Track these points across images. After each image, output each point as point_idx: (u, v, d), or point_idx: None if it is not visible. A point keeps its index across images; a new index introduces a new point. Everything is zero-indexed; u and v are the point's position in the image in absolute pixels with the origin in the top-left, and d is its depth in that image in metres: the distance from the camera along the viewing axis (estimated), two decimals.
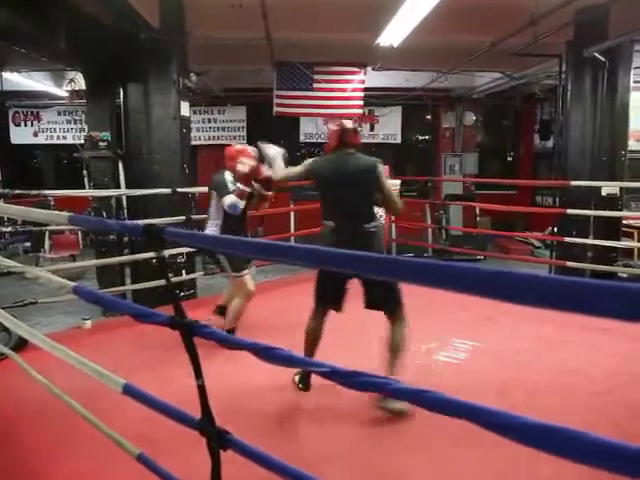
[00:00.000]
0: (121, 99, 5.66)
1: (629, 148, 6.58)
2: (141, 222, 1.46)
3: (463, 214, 9.79)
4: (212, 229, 3.87)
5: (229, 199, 3.67)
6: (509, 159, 11.49)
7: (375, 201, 3.02)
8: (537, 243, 9.09)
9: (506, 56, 6.78)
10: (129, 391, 1.84)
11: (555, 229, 6.77)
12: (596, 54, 5.91)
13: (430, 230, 8.88)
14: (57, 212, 2.05)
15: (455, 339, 3.93)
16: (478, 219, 9.71)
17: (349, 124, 3.08)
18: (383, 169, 3.01)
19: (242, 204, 3.72)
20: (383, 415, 2.71)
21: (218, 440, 1.49)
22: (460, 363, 3.51)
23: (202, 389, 1.50)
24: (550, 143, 9.33)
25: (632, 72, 6.24)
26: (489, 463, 2.32)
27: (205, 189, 4.24)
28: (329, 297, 3.01)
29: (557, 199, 6.85)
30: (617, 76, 6.09)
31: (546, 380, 3.18)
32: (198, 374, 1.50)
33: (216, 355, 2.94)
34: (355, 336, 3.79)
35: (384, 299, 2.89)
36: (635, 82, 6.54)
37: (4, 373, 3.34)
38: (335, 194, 2.98)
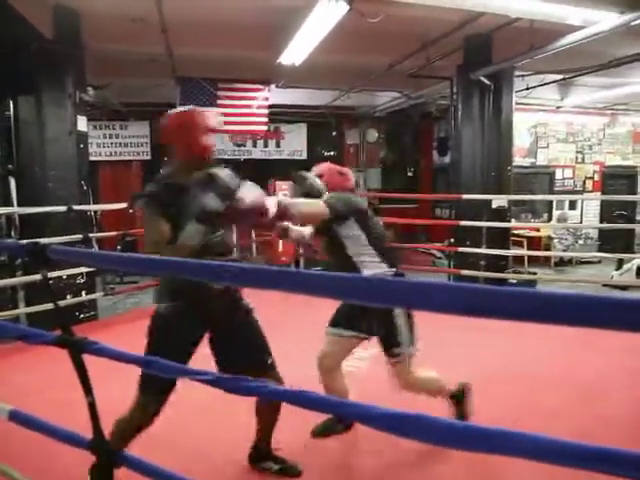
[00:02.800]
0: (11, 112, 5.36)
1: (514, 164, 7.16)
2: (25, 241, 1.42)
3: None
4: (375, 268, 2.62)
5: None
6: (410, 174, 12.03)
7: None
8: (438, 254, 9.57)
9: (403, 77, 7.18)
10: (16, 417, 1.76)
11: (452, 240, 7.20)
12: (482, 78, 6.41)
13: None
14: None
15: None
16: None
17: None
18: None
19: None
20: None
21: (109, 458, 1.48)
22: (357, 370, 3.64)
23: (93, 407, 1.48)
24: (448, 159, 9.93)
25: (514, 95, 6.81)
26: None
27: (107, 206, 4.01)
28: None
29: (452, 212, 7.30)
30: (501, 98, 6.61)
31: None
32: (88, 391, 1.48)
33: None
34: None
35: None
36: (517, 104, 7.15)
37: None
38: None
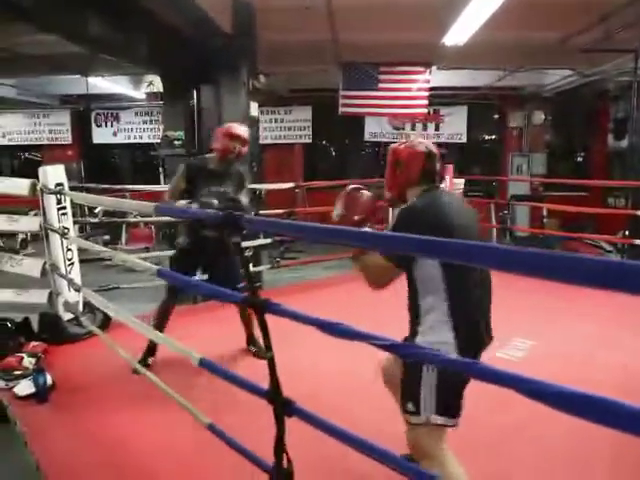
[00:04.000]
0: (195, 100, 5.98)
1: None
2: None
3: (530, 215, 9.59)
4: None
5: None
6: (579, 159, 11.12)
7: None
8: (608, 247, 8.76)
9: (577, 52, 6.63)
10: (205, 364, 2.03)
11: (627, 232, 6.55)
12: None
13: (495, 230, 8.76)
14: (144, 202, 2.27)
15: (516, 337, 3.94)
16: (545, 220, 9.48)
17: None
18: None
19: None
20: None
21: (284, 408, 1.65)
22: (518, 361, 3.52)
23: (272, 361, 1.66)
24: (625, 142, 8.99)
25: None
26: None
27: (272, 186, 4.41)
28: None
29: (629, 201, 6.63)
30: None
31: (607, 382, 3.13)
32: (269, 348, 1.66)
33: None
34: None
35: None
36: None
37: (90, 349, 3.68)
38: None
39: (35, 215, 4.02)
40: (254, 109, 5.96)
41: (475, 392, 2.58)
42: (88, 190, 4.72)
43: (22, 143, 11.98)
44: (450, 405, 1.75)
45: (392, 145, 2.05)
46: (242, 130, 3.30)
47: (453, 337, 1.73)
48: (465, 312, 1.78)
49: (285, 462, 1.69)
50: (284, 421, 1.69)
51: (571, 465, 2.35)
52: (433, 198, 1.87)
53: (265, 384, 1.70)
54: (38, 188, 3.73)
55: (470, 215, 1.96)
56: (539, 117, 10.48)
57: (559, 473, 2.32)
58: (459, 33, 5.71)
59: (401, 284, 1.86)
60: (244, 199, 3.26)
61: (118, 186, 4.95)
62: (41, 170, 3.79)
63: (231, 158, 3.25)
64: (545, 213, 9.33)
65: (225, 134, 3.23)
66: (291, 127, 10.63)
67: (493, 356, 3.57)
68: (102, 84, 8.85)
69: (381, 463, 1.44)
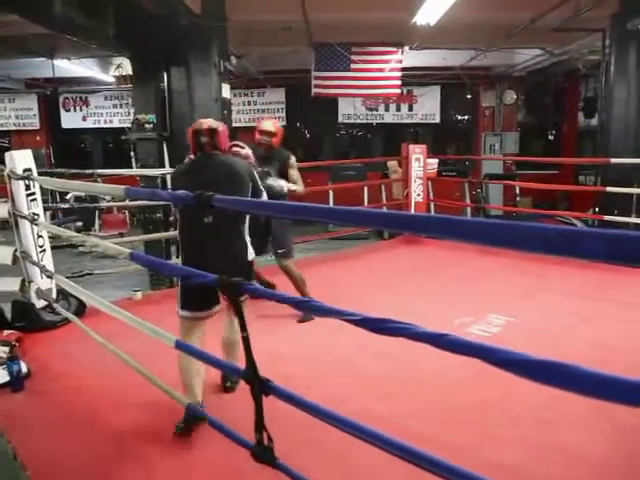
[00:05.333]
0: (165, 82, 5.88)
1: None
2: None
3: (503, 194, 9.72)
4: None
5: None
6: (551, 138, 11.28)
7: None
8: (579, 223, 8.95)
9: (547, 32, 6.69)
10: (180, 346, 2.03)
11: (597, 209, 6.69)
12: None
13: (469, 210, 8.87)
14: (114, 185, 2.24)
15: (491, 314, 4.01)
16: (518, 199, 9.63)
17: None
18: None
19: None
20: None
21: (260, 387, 1.66)
22: (491, 336, 3.59)
23: (246, 341, 1.67)
24: (595, 121, 9.14)
25: None
26: None
27: None
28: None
29: (599, 178, 6.76)
30: None
31: (581, 355, 3.20)
32: (243, 328, 1.66)
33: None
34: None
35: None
36: None
37: (65, 336, 3.65)
38: None
39: (4, 202, 3.93)
40: (226, 91, 5.89)
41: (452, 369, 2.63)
42: (58, 175, 4.63)
43: None
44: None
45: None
46: (267, 125, 4.03)
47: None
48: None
49: (266, 440, 1.71)
50: (262, 400, 1.70)
51: (541, 436, 2.42)
52: (189, 161, 2.73)
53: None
54: (5, 174, 3.65)
55: (221, 171, 2.60)
56: (511, 97, 10.58)
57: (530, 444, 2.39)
58: (430, 12, 5.72)
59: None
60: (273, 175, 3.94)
61: (89, 171, 4.87)
62: (7, 155, 3.70)
63: (263, 147, 3.99)
64: (518, 191, 9.47)
65: (256, 130, 4.07)
66: (264, 109, 10.53)
67: (466, 332, 3.65)
68: (69, 67, 8.61)
69: (358, 438, 1.47)
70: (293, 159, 4.13)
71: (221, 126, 2.67)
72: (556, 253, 0.91)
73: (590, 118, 9.80)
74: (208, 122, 2.64)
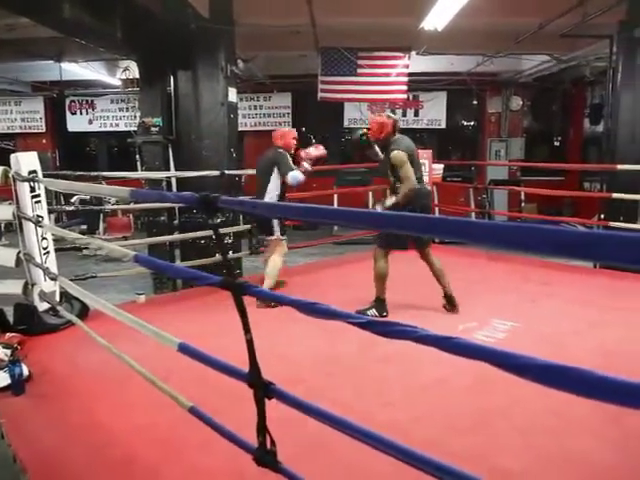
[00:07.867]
0: (172, 86, 5.88)
1: None
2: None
3: (508, 200, 9.69)
4: (273, 199, 4.54)
5: (296, 173, 4.48)
6: (557, 144, 11.25)
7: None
8: (584, 230, 8.90)
9: (554, 38, 6.67)
10: (184, 349, 2.01)
11: (602, 215, 6.65)
12: None
13: (474, 215, 8.84)
14: (119, 187, 2.23)
15: (495, 319, 3.98)
16: (523, 205, 9.58)
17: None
18: None
19: (303, 179, 4.58)
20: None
21: (264, 390, 1.64)
22: (496, 342, 3.56)
23: (250, 344, 1.65)
24: (601, 127, 9.10)
25: None
26: None
27: (253, 172, 4.61)
28: (396, 242, 4.03)
29: (604, 184, 6.72)
30: None
31: (587, 361, 3.18)
32: (247, 329, 1.64)
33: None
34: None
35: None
36: None
37: (68, 339, 3.63)
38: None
39: (9, 204, 3.93)
40: (232, 95, 5.88)
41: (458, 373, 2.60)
42: (63, 177, 4.63)
43: None
44: None
45: None
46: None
47: None
48: None
49: (269, 443, 1.69)
50: (264, 403, 1.68)
51: (548, 442, 2.39)
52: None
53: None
54: (10, 175, 3.65)
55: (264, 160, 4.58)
56: (517, 103, 10.56)
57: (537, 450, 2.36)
58: (437, 18, 5.71)
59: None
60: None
61: (94, 173, 4.87)
62: (13, 157, 3.70)
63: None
64: (523, 197, 9.43)
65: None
66: (271, 114, 10.55)
67: (471, 337, 3.62)
68: (76, 70, 8.65)
69: (363, 442, 1.45)
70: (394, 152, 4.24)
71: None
72: (577, 257, 0.89)
73: (596, 125, 9.76)
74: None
